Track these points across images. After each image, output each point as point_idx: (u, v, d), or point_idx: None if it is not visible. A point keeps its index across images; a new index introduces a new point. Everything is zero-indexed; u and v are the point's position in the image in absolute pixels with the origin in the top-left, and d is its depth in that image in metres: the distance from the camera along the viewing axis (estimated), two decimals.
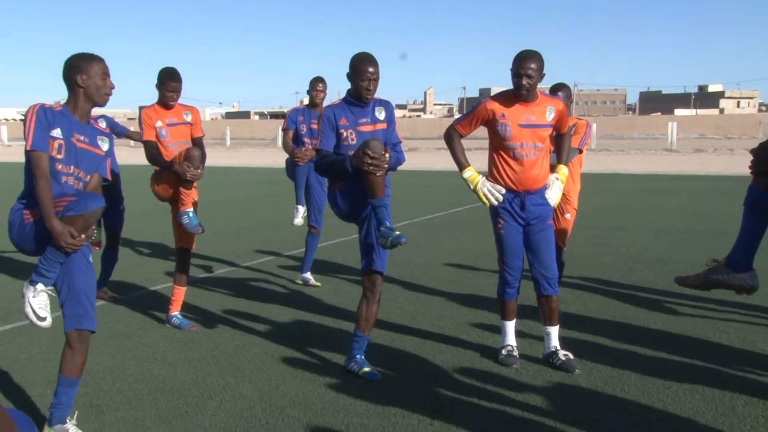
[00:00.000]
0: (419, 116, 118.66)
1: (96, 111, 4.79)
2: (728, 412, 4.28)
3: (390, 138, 5.00)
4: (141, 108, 6.68)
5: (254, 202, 17.28)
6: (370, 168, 4.50)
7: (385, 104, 5.03)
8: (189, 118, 6.22)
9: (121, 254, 9.47)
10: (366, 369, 4.95)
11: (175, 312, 6.25)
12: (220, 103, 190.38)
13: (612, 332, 5.94)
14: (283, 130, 7.89)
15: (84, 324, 3.95)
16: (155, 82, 6.03)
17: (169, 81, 5.99)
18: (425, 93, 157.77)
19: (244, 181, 23.56)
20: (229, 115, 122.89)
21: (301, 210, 8.01)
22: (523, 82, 4.85)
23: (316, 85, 7.74)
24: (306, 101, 8.01)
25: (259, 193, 19.38)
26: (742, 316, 6.31)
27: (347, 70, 4.85)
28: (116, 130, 7.65)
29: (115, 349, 5.62)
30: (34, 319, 3.87)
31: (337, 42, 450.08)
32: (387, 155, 4.55)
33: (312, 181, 7.76)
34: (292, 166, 7.81)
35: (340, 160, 4.71)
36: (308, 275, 7.88)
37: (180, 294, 6.28)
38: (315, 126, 7.49)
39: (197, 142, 6.25)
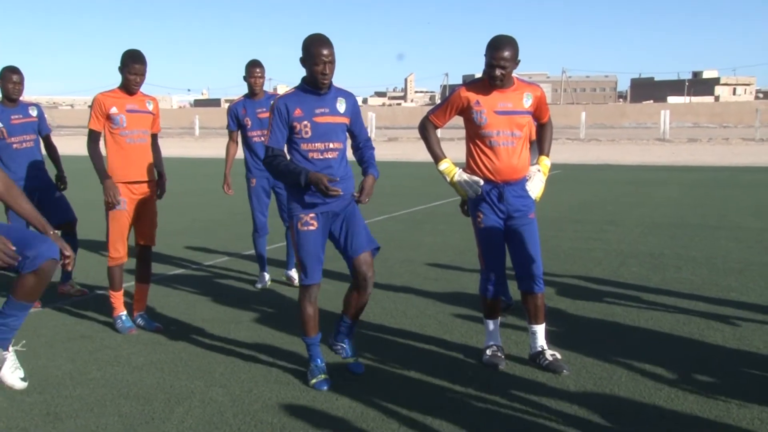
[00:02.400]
0: (399, 104, 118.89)
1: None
2: (723, 414, 4.32)
3: (360, 134, 4.95)
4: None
5: (225, 195, 17.16)
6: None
7: (347, 95, 4.85)
8: (151, 108, 6.15)
9: (82, 250, 9.42)
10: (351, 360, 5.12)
11: (140, 312, 6.21)
12: (189, 90, 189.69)
13: (602, 331, 5.98)
14: (228, 131, 7.60)
15: (54, 252, 3.79)
16: (118, 65, 5.94)
17: (132, 63, 5.87)
18: (406, 80, 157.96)
19: (214, 173, 23.32)
20: (197, 103, 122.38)
21: (267, 278, 7.72)
22: (497, 73, 4.86)
23: (253, 70, 7.37)
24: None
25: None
26: (737, 313, 6.37)
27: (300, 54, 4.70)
28: (41, 126, 7.19)
29: (76, 352, 5.57)
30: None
31: (314, 27, 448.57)
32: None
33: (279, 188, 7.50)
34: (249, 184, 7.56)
35: (295, 172, 4.58)
36: (293, 273, 7.70)
37: (143, 292, 6.24)
38: (263, 115, 7.30)
39: (152, 139, 6.21)
